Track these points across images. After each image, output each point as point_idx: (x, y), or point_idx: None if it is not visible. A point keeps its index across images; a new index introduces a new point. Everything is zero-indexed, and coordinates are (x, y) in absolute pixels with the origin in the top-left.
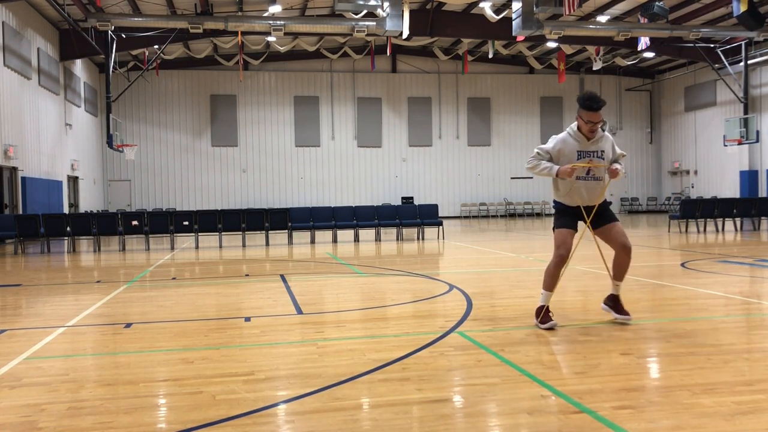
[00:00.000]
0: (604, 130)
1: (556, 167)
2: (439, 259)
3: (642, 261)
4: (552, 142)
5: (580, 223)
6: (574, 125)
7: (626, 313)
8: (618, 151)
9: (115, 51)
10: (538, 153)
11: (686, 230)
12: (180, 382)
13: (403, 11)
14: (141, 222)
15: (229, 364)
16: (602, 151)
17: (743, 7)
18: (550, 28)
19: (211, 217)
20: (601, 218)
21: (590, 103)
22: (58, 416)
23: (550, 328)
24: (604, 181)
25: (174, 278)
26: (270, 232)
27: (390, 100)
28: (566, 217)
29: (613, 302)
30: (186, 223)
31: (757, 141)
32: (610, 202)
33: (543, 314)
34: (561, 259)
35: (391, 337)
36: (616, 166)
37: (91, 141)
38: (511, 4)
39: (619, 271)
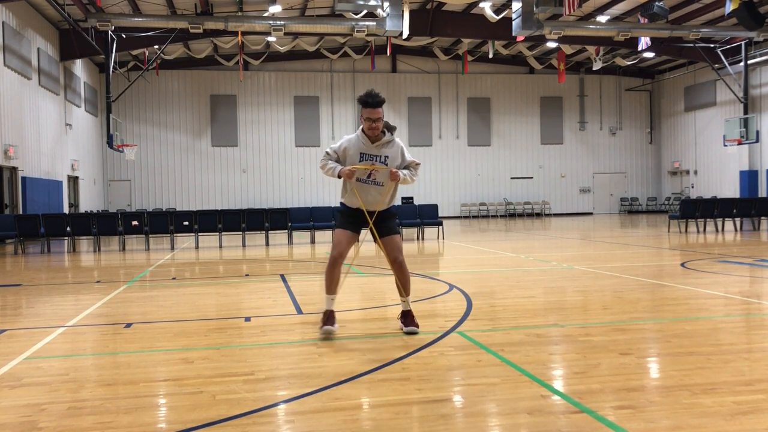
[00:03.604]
0: (392, 134)
1: (339, 167)
2: (439, 259)
3: (642, 261)
4: (339, 142)
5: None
6: (362, 126)
7: (415, 325)
8: (409, 158)
9: (115, 51)
10: (327, 153)
11: (686, 230)
12: (180, 382)
13: (403, 11)
14: (141, 222)
15: (229, 364)
16: (386, 157)
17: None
18: (550, 28)
19: (211, 217)
20: (384, 228)
21: (366, 99)
22: (58, 416)
23: (328, 333)
24: (387, 188)
25: (174, 278)
26: (270, 232)
27: (390, 100)
28: (346, 219)
29: (404, 317)
30: (186, 223)
31: (757, 141)
32: (396, 213)
33: (325, 318)
34: (334, 260)
35: (391, 337)
36: (403, 172)
37: (91, 141)
38: (511, 4)
39: (400, 286)
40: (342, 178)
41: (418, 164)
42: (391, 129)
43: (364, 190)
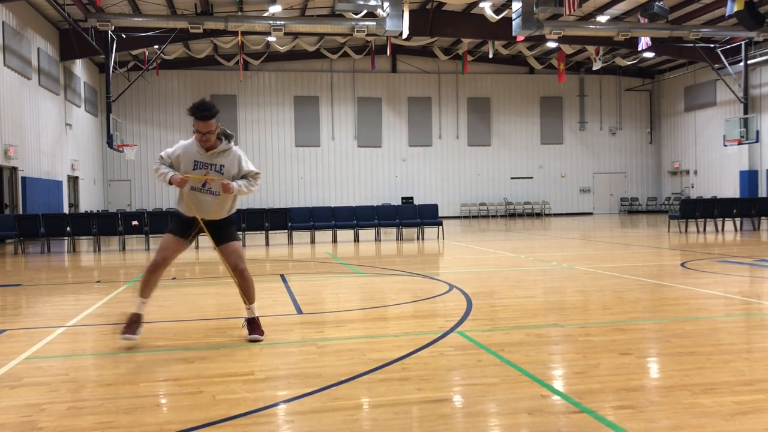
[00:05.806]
0: (230, 142)
1: (171, 174)
2: (439, 259)
3: (642, 261)
4: (174, 147)
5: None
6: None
7: (260, 333)
8: (247, 167)
9: (115, 51)
10: (161, 157)
11: (686, 230)
12: (180, 382)
13: (403, 11)
14: (141, 222)
15: (229, 364)
16: (222, 166)
17: (737, 7)
18: (550, 28)
19: None
20: (220, 236)
21: (195, 111)
22: (58, 416)
23: (129, 340)
24: (222, 198)
25: (174, 278)
26: (270, 232)
27: (390, 100)
28: (177, 224)
29: (249, 325)
30: None
31: (757, 141)
32: (234, 221)
33: (128, 323)
34: (156, 264)
35: (391, 337)
36: (238, 182)
37: (91, 141)
38: (511, 4)
39: (242, 293)
40: (173, 185)
41: (257, 174)
42: (228, 136)
43: (198, 199)
